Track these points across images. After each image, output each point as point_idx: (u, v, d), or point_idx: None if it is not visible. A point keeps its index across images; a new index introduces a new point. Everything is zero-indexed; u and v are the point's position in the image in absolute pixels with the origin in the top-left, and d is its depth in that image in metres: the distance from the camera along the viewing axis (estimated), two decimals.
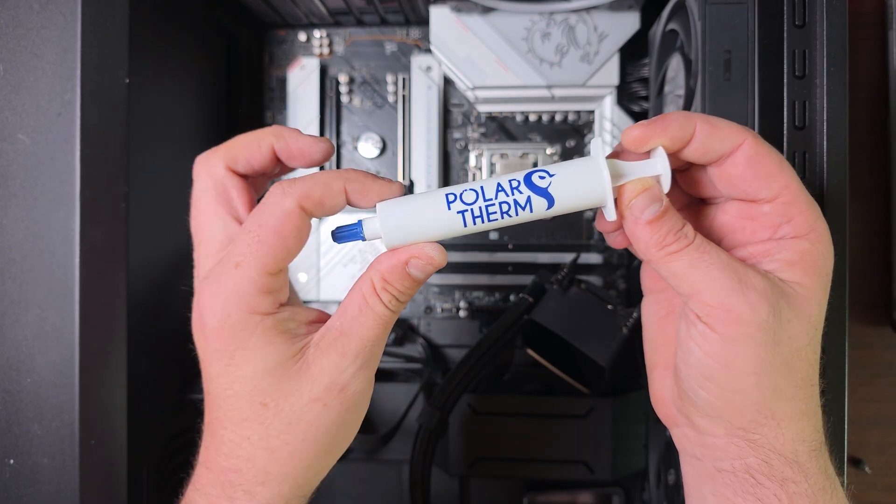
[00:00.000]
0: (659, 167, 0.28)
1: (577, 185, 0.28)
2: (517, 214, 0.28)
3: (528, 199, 0.27)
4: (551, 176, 0.27)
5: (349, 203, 0.28)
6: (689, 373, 0.28)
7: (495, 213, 0.27)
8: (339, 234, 0.29)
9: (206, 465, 0.29)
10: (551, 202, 0.27)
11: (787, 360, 0.27)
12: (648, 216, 0.27)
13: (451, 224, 0.27)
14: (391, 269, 0.27)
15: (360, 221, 0.28)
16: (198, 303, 0.28)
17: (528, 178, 0.27)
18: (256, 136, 0.29)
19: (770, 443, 0.28)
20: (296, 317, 0.29)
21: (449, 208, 0.27)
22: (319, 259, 0.56)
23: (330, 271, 0.55)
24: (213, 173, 0.30)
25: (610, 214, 0.28)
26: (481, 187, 0.27)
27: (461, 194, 0.27)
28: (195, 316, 0.28)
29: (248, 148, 0.29)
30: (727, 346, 0.27)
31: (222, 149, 0.30)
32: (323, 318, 0.30)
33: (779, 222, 0.28)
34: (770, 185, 0.28)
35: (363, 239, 0.28)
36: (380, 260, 0.28)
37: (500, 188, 0.27)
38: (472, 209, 0.27)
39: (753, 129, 0.38)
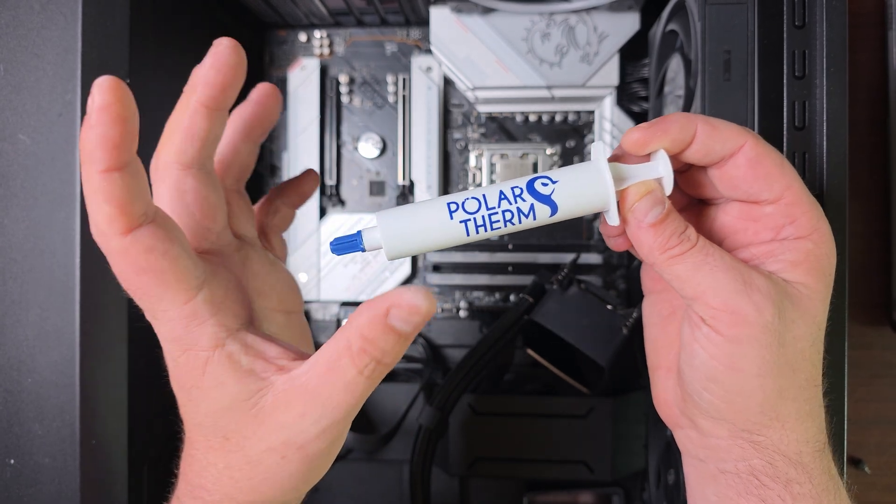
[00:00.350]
0: (661, 170, 0.28)
1: (581, 190, 0.27)
2: (520, 222, 0.27)
3: (532, 207, 0.27)
4: (554, 182, 0.27)
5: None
6: (693, 375, 0.28)
7: (498, 221, 0.27)
8: (338, 245, 0.28)
9: (183, 477, 0.29)
10: (554, 209, 0.27)
11: (791, 362, 0.28)
12: (651, 220, 0.27)
13: (454, 233, 0.27)
14: (371, 322, 0.24)
15: (359, 232, 0.27)
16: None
17: (530, 186, 0.27)
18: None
19: (774, 444, 0.28)
20: (251, 352, 0.27)
21: (451, 218, 0.27)
22: (320, 259, 0.56)
23: (330, 271, 0.55)
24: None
25: (613, 219, 0.28)
26: (483, 195, 0.27)
27: (463, 203, 0.27)
28: None
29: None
30: (732, 348, 0.27)
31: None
32: (297, 356, 0.27)
33: (782, 223, 0.28)
34: (772, 186, 0.28)
35: (363, 250, 0.27)
36: (360, 311, 0.25)
37: (502, 196, 0.27)
38: (474, 218, 0.27)
39: (753, 129, 0.38)
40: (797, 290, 0.28)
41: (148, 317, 0.27)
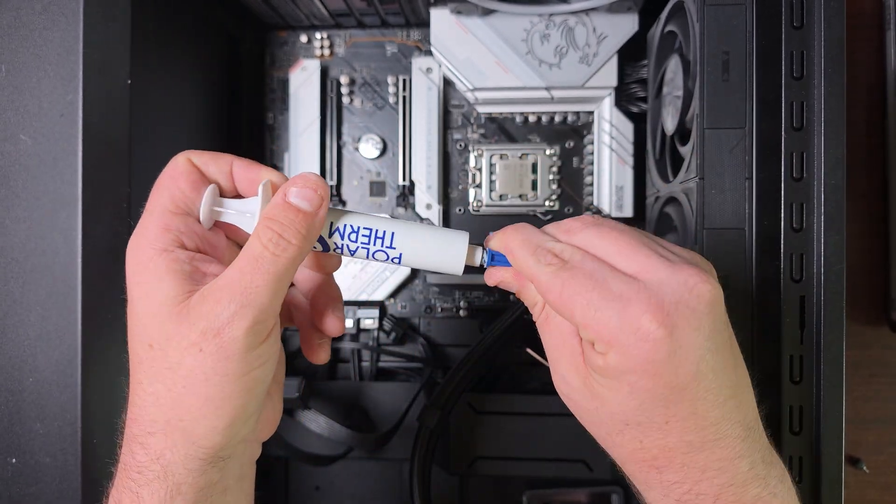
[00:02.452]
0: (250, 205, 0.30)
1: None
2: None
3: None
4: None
5: (234, 178, 0.31)
6: None
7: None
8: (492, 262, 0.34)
9: (125, 436, 0.29)
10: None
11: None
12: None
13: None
14: (273, 205, 0.28)
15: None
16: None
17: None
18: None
19: None
20: (196, 262, 0.29)
21: None
22: None
23: None
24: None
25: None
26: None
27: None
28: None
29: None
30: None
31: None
32: None
33: (588, 342, 0.29)
34: (566, 318, 0.29)
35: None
36: (274, 198, 0.29)
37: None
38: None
39: (751, 130, 0.38)
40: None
41: (144, 213, 0.30)
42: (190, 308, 0.27)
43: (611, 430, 0.29)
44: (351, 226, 0.30)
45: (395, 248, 0.30)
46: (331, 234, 0.30)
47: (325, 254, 0.32)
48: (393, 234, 0.30)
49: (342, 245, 0.30)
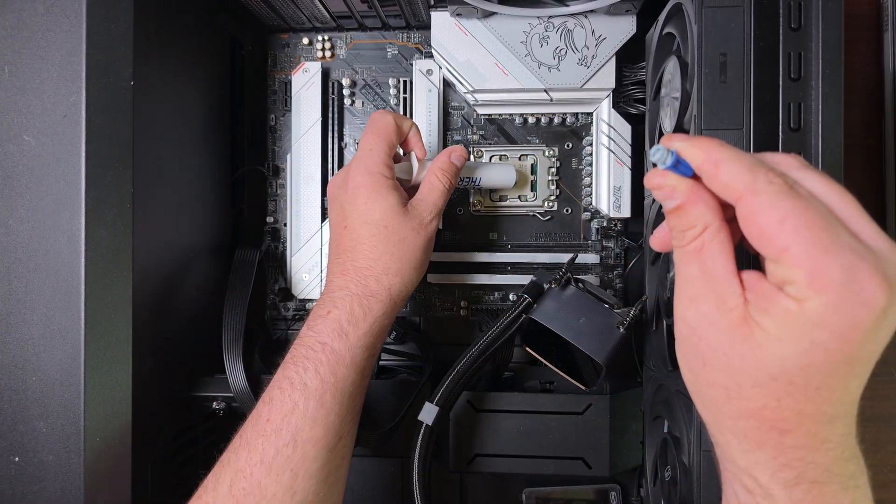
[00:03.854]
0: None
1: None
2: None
3: None
4: None
5: (408, 138, 0.48)
6: None
7: None
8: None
9: (341, 275, 0.43)
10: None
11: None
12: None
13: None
14: (442, 162, 0.48)
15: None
16: (350, 172, 0.45)
17: None
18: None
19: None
20: (398, 184, 0.46)
21: None
22: (322, 260, 0.56)
23: None
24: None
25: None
26: None
27: None
28: (340, 181, 0.47)
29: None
30: None
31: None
32: (407, 191, 0.48)
33: (780, 282, 0.27)
34: (765, 246, 0.26)
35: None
36: (438, 157, 0.48)
37: None
38: None
39: (749, 131, 0.38)
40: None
41: (366, 151, 0.46)
42: (409, 210, 0.45)
43: (747, 380, 0.27)
44: (464, 176, 0.53)
45: (480, 181, 0.53)
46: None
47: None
48: (479, 178, 0.53)
49: (463, 179, 0.53)
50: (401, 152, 0.50)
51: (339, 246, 0.45)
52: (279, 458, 0.37)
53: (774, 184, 0.26)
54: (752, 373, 0.27)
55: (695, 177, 0.29)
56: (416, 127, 0.49)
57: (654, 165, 0.30)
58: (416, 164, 0.49)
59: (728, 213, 0.29)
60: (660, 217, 0.47)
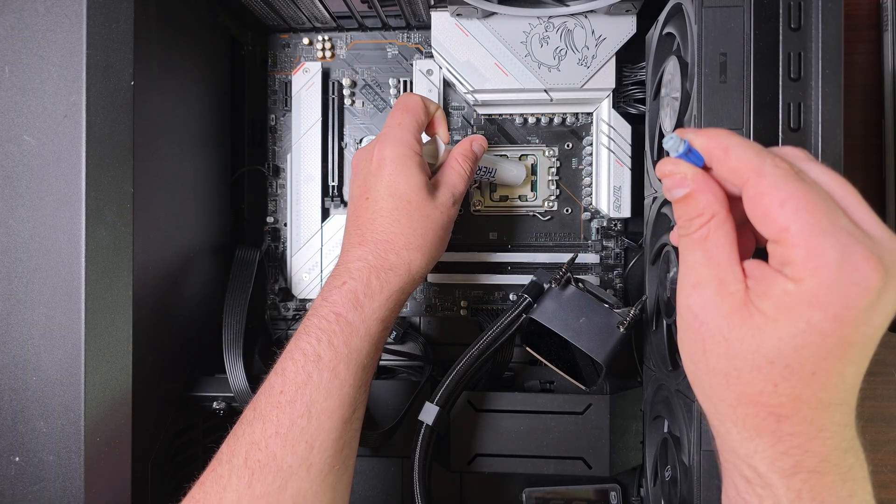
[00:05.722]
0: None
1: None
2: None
3: None
4: None
5: (431, 121, 0.48)
6: None
7: None
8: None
9: (359, 246, 0.43)
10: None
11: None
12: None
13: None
14: (462, 149, 0.48)
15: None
16: (377, 144, 0.45)
17: None
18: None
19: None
20: (425, 162, 0.46)
21: None
22: (322, 260, 0.56)
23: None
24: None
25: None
26: None
27: None
28: (366, 152, 0.46)
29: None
30: None
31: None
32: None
33: (780, 262, 0.28)
34: (767, 226, 0.28)
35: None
36: (460, 144, 0.48)
37: None
38: None
39: (749, 131, 0.38)
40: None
41: (395, 126, 0.45)
42: (434, 188, 0.45)
43: (745, 365, 0.28)
44: (482, 166, 0.54)
45: (494, 172, 0.55)
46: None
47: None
48: (494, 170, 0.54)
49: (480, 169, 0.54)
50: (424, 136, 0.50)
51: (359, 218, 0.44)
52: (294, 430, 0.37)
53: (780, 168, 0.28)
54: (750, 356, 0.28)
55: (704, 168, 0.31)
56: (442, 110, 0.49)
57: (667, 154, 0.31)
58: (442, 147, 0.49)
59: (733, 212, 0.30)
60: (660, 217, 0.47)
